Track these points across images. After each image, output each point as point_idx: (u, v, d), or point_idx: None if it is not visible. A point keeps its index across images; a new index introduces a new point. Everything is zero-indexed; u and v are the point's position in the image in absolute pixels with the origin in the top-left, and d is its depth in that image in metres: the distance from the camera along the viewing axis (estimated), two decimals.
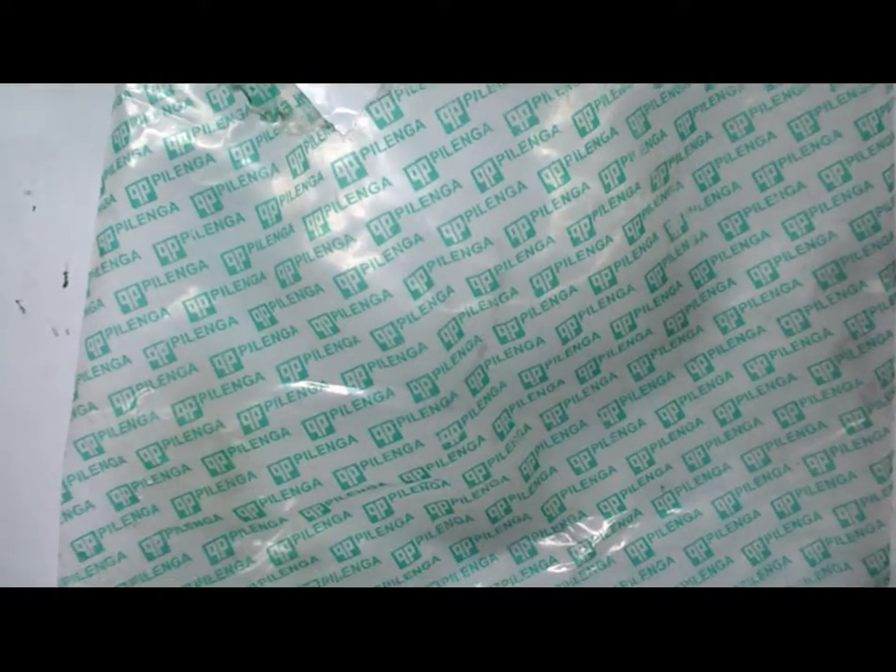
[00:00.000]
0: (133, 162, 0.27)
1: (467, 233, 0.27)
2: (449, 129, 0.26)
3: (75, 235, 0.29)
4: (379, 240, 0.27)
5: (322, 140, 0.26)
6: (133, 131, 0.27)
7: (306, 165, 0.27)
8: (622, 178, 0.28)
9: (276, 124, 0.26)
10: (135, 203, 0.27)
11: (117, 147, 0.28)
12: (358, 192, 0.26)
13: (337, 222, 0.27)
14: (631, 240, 0.28)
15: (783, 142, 0.29)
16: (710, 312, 0.30)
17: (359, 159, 0.26)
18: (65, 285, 0.30)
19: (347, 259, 0.27)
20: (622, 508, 0.31)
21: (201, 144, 0.27)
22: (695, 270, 0.30)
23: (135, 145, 0.27)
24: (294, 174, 0.27)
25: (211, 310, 0.28)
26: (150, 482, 0.29)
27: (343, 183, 0.26)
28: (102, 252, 0.28)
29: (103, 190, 0.28)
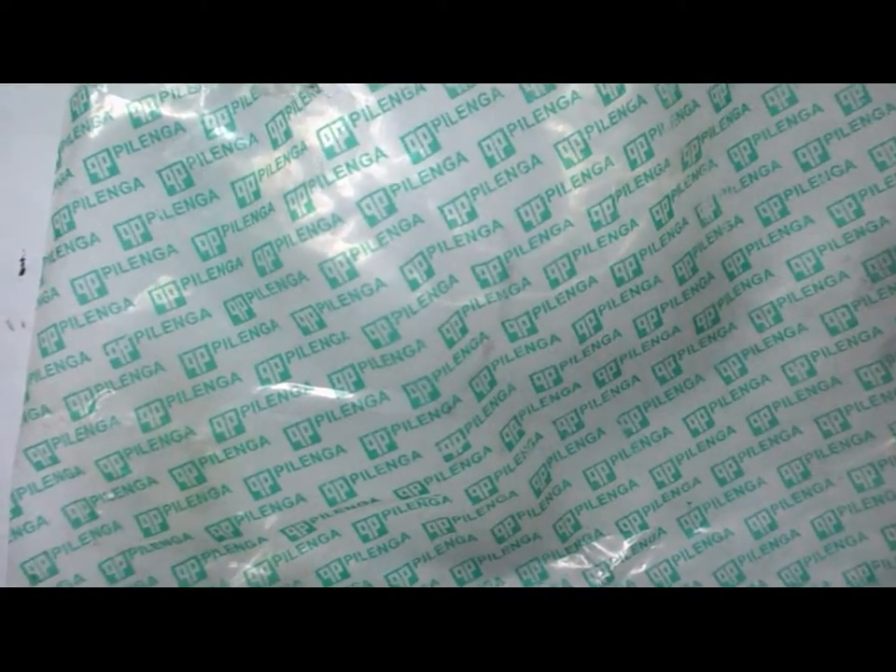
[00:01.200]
0: (92, 132, 0.24)
1: (472, 215, 0.24)
2: (453, 94, 0.23)
3: (33, 217, 0.26)
4: (371, 221, 0.23)
5: (306, 103, 0.23)
6: (93, 96, 0.24)
7: (288, 134, 0.23)
8: (649, 154, 0.25)
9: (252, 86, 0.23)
10: (95, 179, 0.24)
11: (75, 115, 0.24)
12: (348, 165, 0.23)
13: (323, 201, 0.23)
14: (658, 225, 0.25)
15: (830, 116, 0.26)
16: (745, 307, 0.27)
17: (349, 126, 0.23)
18: (22, 272, 0.27)
19: (335, 244, 0.23)
20: (643, 526, 0.28)
21: (169, 112, 0.24)
22: (729, 260, 0.27)
23: (96, 112, 0.24)
24: (274, 144, 0.24)
25: (181, 301, 0.25)
26: (111, 495, 0.26)
27: (329, 154, 0.23)
28: (57, 234, 0.25)
29: (59, 164, 0.25)
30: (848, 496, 0.28)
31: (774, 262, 0.27)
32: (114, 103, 0.24)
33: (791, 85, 0.26)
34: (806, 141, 0.26)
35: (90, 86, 0.24)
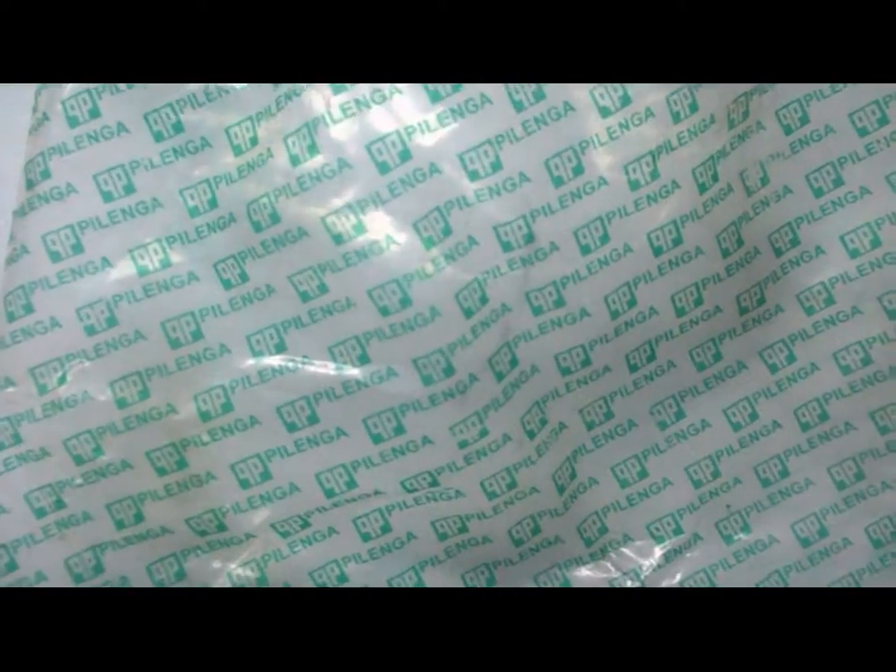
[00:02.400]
0: None
1: (497, 165, 0.21)
2: None
3: (4, 167, 0.23)
4: (383, 168, 0.21)
5: None
6: None
7: None
8: (693, 107, 0.22)
9: None
10: (73, 122, 0.22)
11: None
12: (358, 103, 0.21)
13: (328, 144, 0.21)
14: (702, 189, 0.23)
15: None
16: (793, 288, 0.25)
17: None
18: None
19: (340, 194, 0.21)
20: (678, 531, 0.25)
21: None
22: (776, 234, 0.25)
23: None
24: (276, 85, 0.21)
25: (165, 262, 0.23)
26: (80, 481, 0.23)
27: (337, 90, 0.21)
28: (30, 185, 0.22)
29: (35, 108, 0.22)
30: None
31: (826, 238, 0.25)
32: None
33: None
34: (863, 104, 0.24)
35: None
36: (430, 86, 0.20)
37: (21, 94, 0.23)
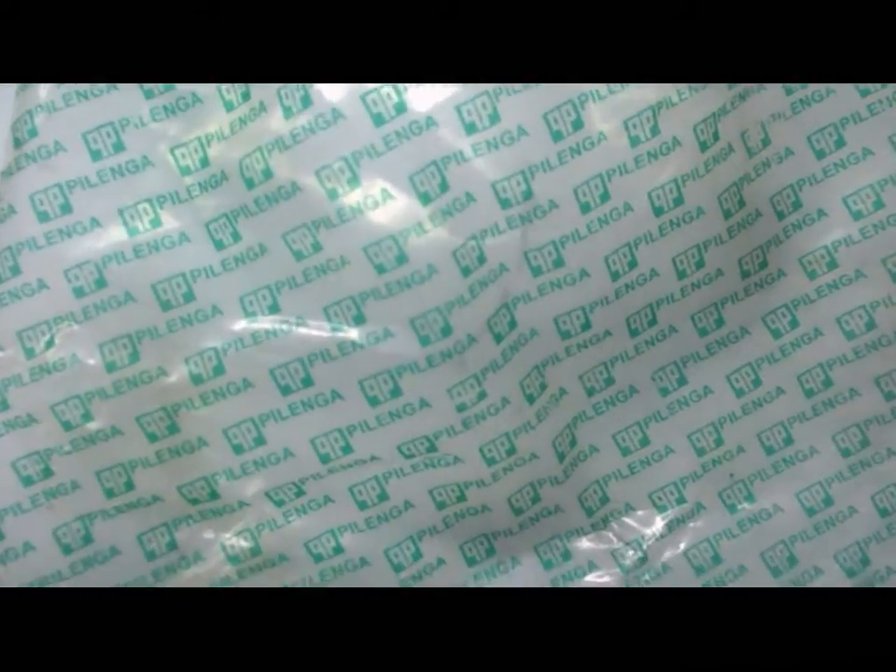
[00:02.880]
0: None
1: (495, 117, 0.21)
2: None
3: None
4: (378, 120, 0.20)
5: None
6: None
7: None
8: None
9: None
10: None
11: None
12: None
13: (321, 95, 0.20)
14: (703, 147, 0.22)
15: None
16: (796, 251, 0.24)
17: None
18: None
19: (335, 145, 0.20)
20: (681, 500, 0.25)
21: None
22: (778, 196, 0.24)
23: None
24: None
25: (156, 222, 0.22)
26: (69, 448, 0.22)
27: None
28: (17, 143, 0.22)
29: None
30: None
31: (828, 200, 0.24)
32: None
33: None
34: None
35: None
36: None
37: None
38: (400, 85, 0.20)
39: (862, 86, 0.24)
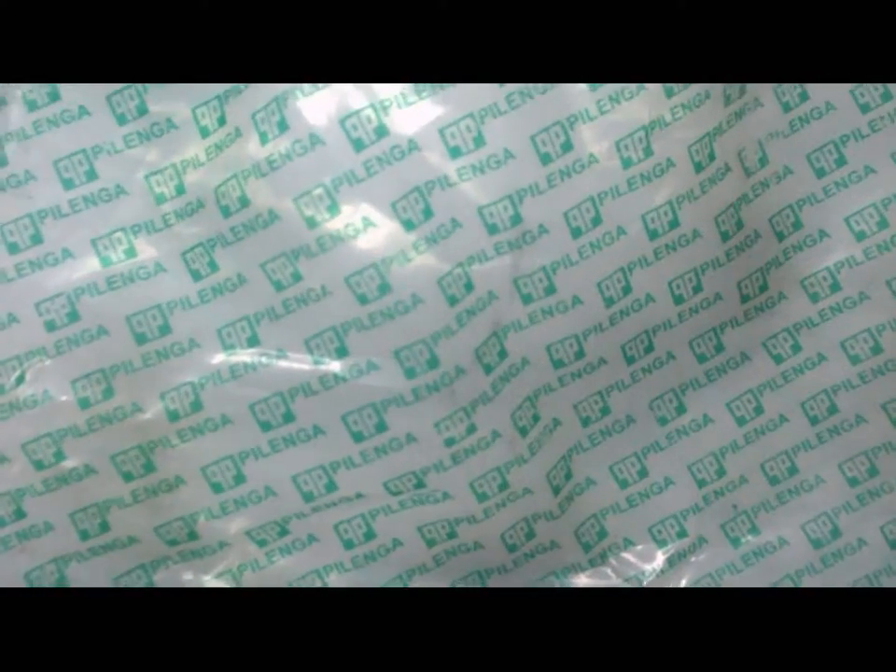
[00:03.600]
0: None
1: (480, 141, 0.20)
2: None
3: None
4: (358, 145, 0.20)
5: None
6: None
7: None
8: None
9: None
10: (32, 106, 0.21)
11: None
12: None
13: (299, 119, 0.19)
14: (698, 167, 0.22)
15: None
16: (797, 274, 0.24)
17: None
18: None
19: (313, 172, 0.19)
20: (682, 534, 0.24)
21: None
22: (777, 217, 0.23)
23: None
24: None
25: (130, 252, 0.21)
26: (41, 488, 0.21)
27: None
28: None
29: None
30: None
31: (829, 221, 0.23)
32: None
33: None
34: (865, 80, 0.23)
35: None
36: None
37: None
38: (381, 107, 0.19)
39: (862, 101, 0.23)
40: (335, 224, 0.20)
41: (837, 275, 0.23)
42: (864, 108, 0.23)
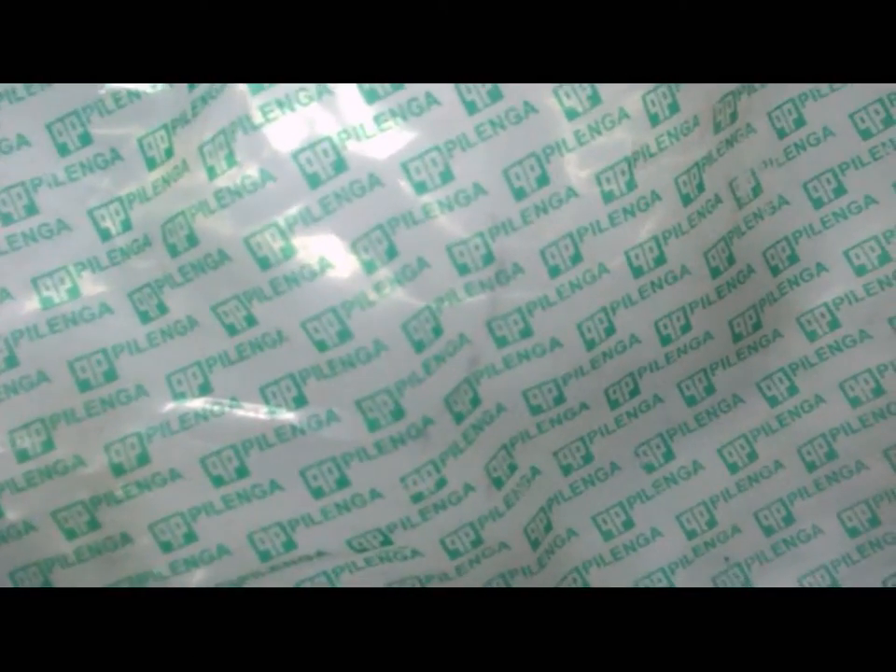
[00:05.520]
0: None
1: (448, 175, 0.19)
2: None
3: None
4: (313, 181, 0.18)
5: None
6: None
7: None
8: (674, 108, 0.20)
9: None
10: None
11: None
12: (279, 103, 0.18)
13: (248, 151, 0.18)
14: (686, 200, 0.20)
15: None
16: (793, 310, 0.23)
17: None
18: None
19: (265, 210, 0.18)
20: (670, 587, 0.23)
21: None
22: (772, 250, 0.22)
23: None
24: (192, 84, 0.19)
25: (74, 292, 0.20)
26: None
27: (256, 88, 0.18)
28: None
29: None
30: None
31: (828, 254, 0.23)
32: None
33: None
34: (865, 103, 0.22)
35: None
36: (366, 84, 0.18)
37: None
38: (338, 140, 0.18)
39: (863, 126, 0.22)
40: (290, 266, 0.18)
41: (836, 312, 0.23)
42: (865, 134, 0.22)
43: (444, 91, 0.18)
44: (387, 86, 0.18)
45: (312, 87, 0.18)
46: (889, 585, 0.24)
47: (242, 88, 0.18)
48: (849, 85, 0.22)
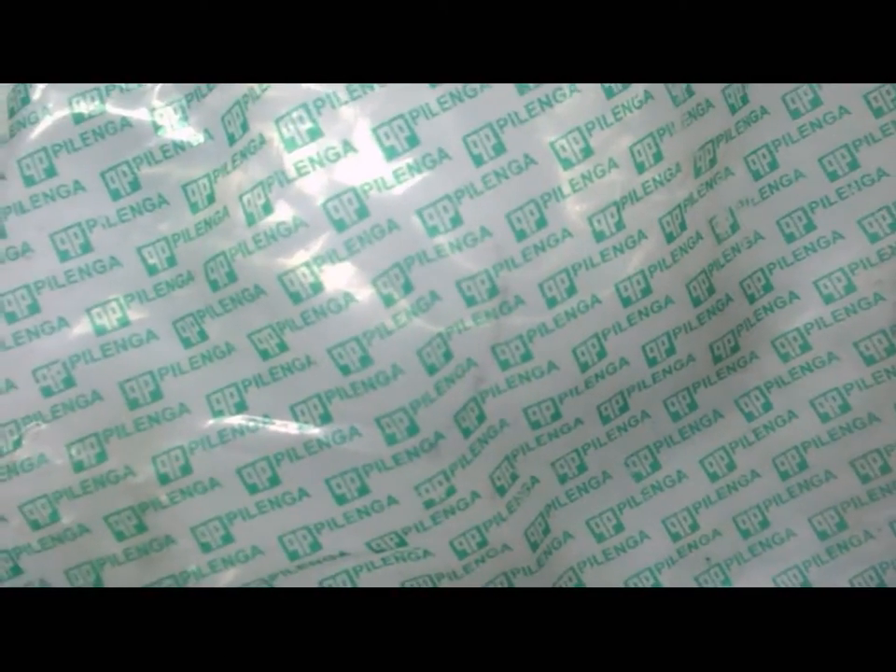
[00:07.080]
0: (29, 130, 0.22)
1: (457, 220, 0.21)
2: (435, 83, 0.20)
3: None
4: (340, 226, 0.20)
5: (264, 90, 0.20)
6: (33, 92, 0.22)
7: (245, 127, 0.21)
8: (658, 157, 0.22)
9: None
10: (30, 181, 0.22)
11: (12, 112, 0.22)
12: (311, 160, 0.20)
13: (282, 202, 0.20)
14: (669, 238, 0.22)
15: (858, 119, 0.23)
16: (768, 334, 0.24)
17: (312, 113, 0.20)
18: None
19: (297, 252, 0.20)
20: (657, 586, 0.25)
21: (115, 107, 0.22)
22: (748, 280, 0.24)
23: (34, 108, 0.21)
24: (231, 139, 0.21)
25: (124, 321, 0.22)
26: (37, 547, 0.22)
27: (290, 146, 0.20)
28: None
29: None
30: (892, 550, 0.25)
31: (799, 283, 0.24)
32: (55, 98, 0.22)
33: (814, 85, 0.23)
34: (833, 147, 0.24)
35: (29, 85, 0.22)
36: (386, 143, 0.20)
37: None
38: (361, 191, 0.20)
39: (830, 169, 0.24)
40: (318, 299, 0.20)
41: (807, 336, 0.24)
42: (832, 176, 0.24)
43: (456, 147, 0.20)
44: (405, 143, 0.20)
45: (339, 144, 0.20)
46: (855, 584, 0.25)
47: (279, 146, 0.20)
48: (818, 131, 0.24)
